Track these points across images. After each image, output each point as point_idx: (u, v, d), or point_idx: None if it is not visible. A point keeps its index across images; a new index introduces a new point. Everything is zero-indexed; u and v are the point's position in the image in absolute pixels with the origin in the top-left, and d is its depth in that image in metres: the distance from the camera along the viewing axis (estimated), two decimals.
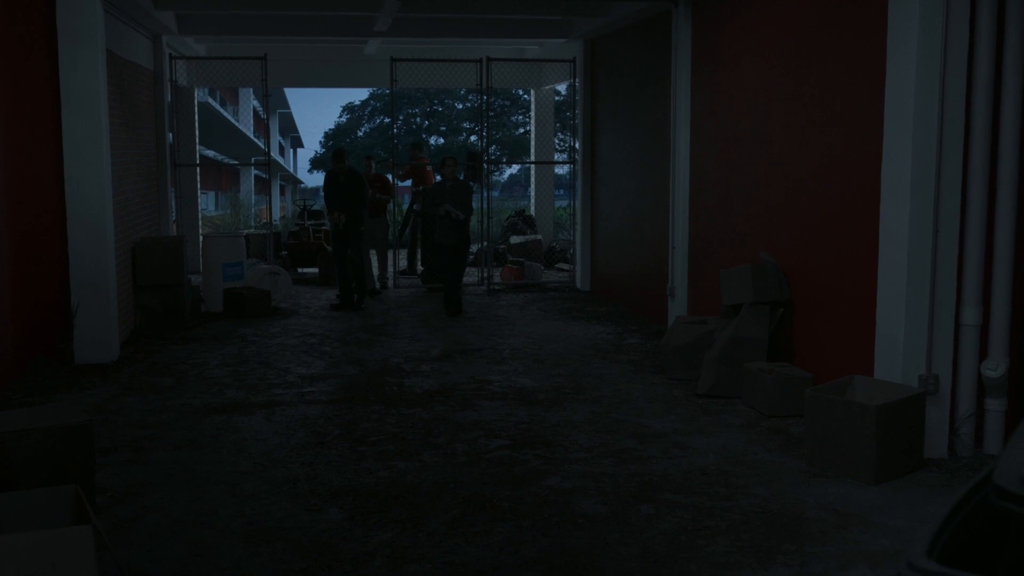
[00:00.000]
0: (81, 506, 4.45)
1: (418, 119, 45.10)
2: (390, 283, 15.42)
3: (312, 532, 5.30)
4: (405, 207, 17.28)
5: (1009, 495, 1.95)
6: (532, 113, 20.47)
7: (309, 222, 18.33)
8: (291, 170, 54.83)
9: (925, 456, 6.41)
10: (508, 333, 11.35)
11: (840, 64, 7.49)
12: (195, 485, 6.10)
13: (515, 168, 44.99)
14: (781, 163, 8.48)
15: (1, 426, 5.36)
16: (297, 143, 64.60)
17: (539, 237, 18.29)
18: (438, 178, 14.09)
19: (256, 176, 37.01)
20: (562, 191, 21.47)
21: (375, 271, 15.34)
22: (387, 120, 41.35)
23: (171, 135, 15.33)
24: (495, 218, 17.89)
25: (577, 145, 15.61)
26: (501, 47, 17.17)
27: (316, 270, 16.66)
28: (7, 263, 8.59)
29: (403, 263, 16.84)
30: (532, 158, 20.24)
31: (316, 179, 54.16)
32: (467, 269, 14.90)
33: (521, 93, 37.71)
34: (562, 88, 20.43)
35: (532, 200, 20.41)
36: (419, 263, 16.43)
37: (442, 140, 44.70)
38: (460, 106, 44.40)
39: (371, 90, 44.28)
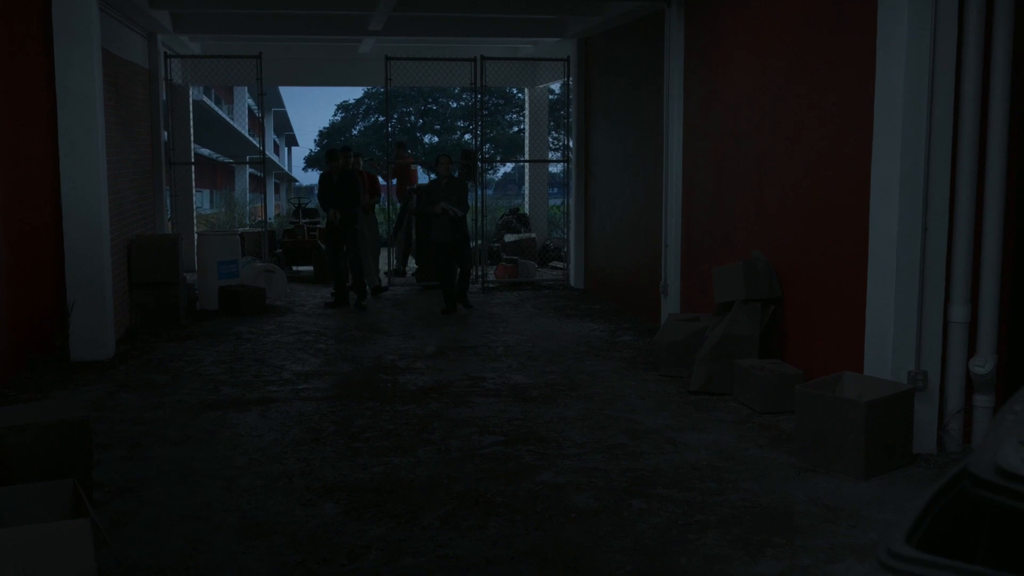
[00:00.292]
0: (79, 500, 4.51)
1: (412, 118, 45.12)
2: (384, 282, 15.46)
3: (307, 526, 5.36)
4: (399, 206, 17.33)
5: (984, 483, 2.02)
6: (526, 112, 20.53)
7: (304, 220, 18.37)
8: (286, 168, 54.81)
9: (914, 452, 6.48)
10: (502, 330, 11.42)
11: (831, 64, 7.56)
12: (191, 480, 6.15)
13: (509, 166, 45.08)
14: (773, 162, 8.56)
15: None
16: (292, 141, 64.57)
17: (533, 235, 18.35)
18: (424, 177, 14.13)
19: (251, 174, 37.04)
20: (556, 189, 21.57)
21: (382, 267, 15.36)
22: (382, 119, 41.36)
23: (166, 133, 15.39)
24: (489, 216, 17.95)
25: (571, 143, 15.68)
26: (495, 46, 17.23)
27: (311, 268, 16.71)
28: (3, 261, 8.64)
29: (393, 263, 16.87)
30: (526, 156, 20.29)
31: (311, 177, 54.18)
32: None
33: (515, 92, 37.74)
34: (556, 87, 20.50)
35: (526, 198, 20.46)
36: (413, 261, 16.47)
37: (436, 139, 44.72)
38: (454, 105, 44.43)
39: (366, 89, 44.34)
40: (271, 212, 24.83)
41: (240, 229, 19.00)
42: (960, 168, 6.45)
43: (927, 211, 6.45)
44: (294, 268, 17.01)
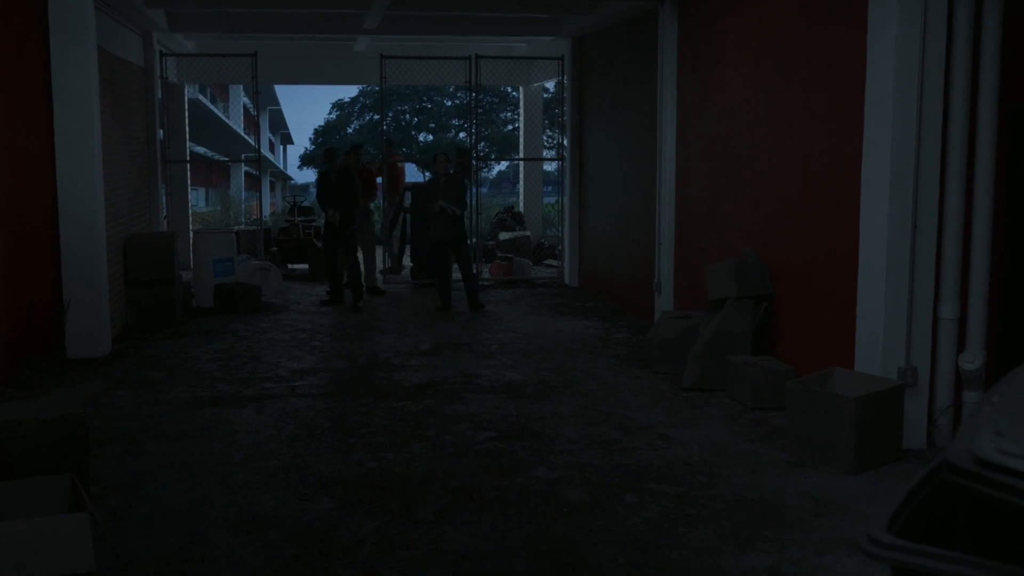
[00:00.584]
0: (77, 494, 4.56)
1: (407, 116, 45.15)
2: (380, 282, 15.48)
3: (303, 521, 5.41)
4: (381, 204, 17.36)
5: (961, 471, 2.08)
6: (521, 110, 20.58)
7: (299, 218, 18.42)
8: (281, 167, 54.84)
9: (904, 447, 6.55)
10: (497, 328, 11.47)
11: (823, 63, 7.63)
12: (188, 476, 6.20)
13: (504, 165, 45.10)
14: (765, 160, 8.62)
15: None
16: (287, 140, 64.59)
17: (528, 233, 18.41)
18: (415, 176, 14.14)
19: (246, 172, 37.04)
20: (550, 187, 21.60)
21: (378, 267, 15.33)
22: (376, 117, 41.38)
23: (162, 131, 15.42)
24: (484, 214, 18.00)
25: (565, 142, 15.74)
26: (490, 45, 17.28)
27: (306, 266, 16.75)
28: (1, 259, 8.67)
29: (387, 262, 16.90)
30: (521, 155, 20.35)
31: (306, 175, 54.20)
32: (454, 266, 15.03)
33: (510, 90, 37.81)
34: (551, 85, 20.54)
35: (521, 196, 20.53)
36: (408, 259, 16.51)
37: (431, 137, 44.75)
38: (449, 103, 44.47)
39: (361, 87, 44.40)
40: (266, 210, 24.87)
41: (236, 227, 19.04)
42: (949, 166, 6.51)
43: (917, 209, 6.51)
44: (289, 266, 17.06)
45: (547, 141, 21.23)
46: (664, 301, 10.99)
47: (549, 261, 17.81)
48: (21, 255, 9.14)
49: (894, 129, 6.45)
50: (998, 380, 2.54)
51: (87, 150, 9.57)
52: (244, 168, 36.32)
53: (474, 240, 15.59)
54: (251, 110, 39.25)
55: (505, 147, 38.33)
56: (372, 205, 16.06)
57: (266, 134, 48.54)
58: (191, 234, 16.42)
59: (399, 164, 16.92)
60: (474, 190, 15.59)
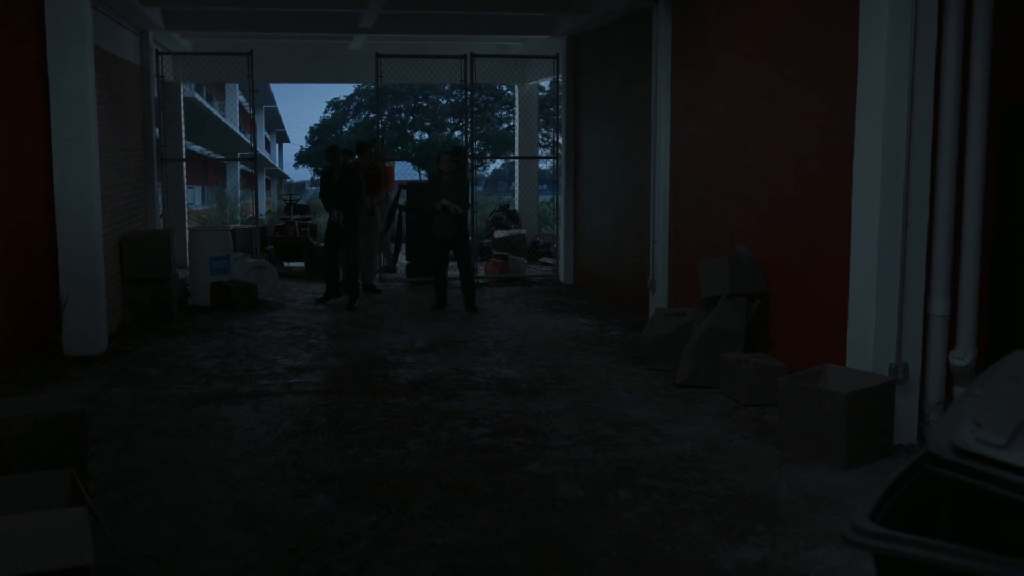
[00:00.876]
0: (76, 489, 4.60)
1: (403, 114, 45.16)
2: (377, 281, 15.49)
3: (299, 516, 5.46)
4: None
5: (942, 461, 2.13)
6: (516, 108, 20.64)
7: (295, 216, 18.45)
8: (277, 165, 54.83)
9: (895, 443, 6.60)
10: (492, 325, 11.52)
11: (816, 62, 7.68)
12: (185, 472, 6.25)
13: (499, 163, 45.18)
14: (758, 158, 8.67)
15: None
16: (283, 138, 64.58)
17: (523, 231, 18.47)
18: (410, 174, 14.12)
19: (242, 171, 37.05)
20: (545, 186, 21.67)
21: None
22: (372, 115, 41.43)
23: (157, 130, 15.44)
24: (479, 213, 18.05)
25: (560, 140, 15.78)
26: (485, 43, 17.32)
27: (302, 264, 16.79)
28: None
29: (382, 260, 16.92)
30: (516, 153, 20.40)
31: (302, 174, 54.20)
32: (450, 264, 15.08)
33: (505, 89, 37.84)
34: (546, 84, 20.60)
35: (516, 195, 20.58)
36: (403, 257, 16.54)
37: (427, 135, 44.77)
38: (444, 101, 44.48)
39: (356, 85, 44.31)
40: (262, 208, 24.90)
41: (232, 225, 19.08)
42: (940, 164, 6.57)
43: (908, 207, 6.57)
44: (285, 264, 17.09)
45: (542, 140, 21.30)
46: (658, 298, 11.05)
47: (544, 259, 17.86)
48: (18, 253, 9.17)
49: (885, 127, 6.51)
50: (982, 373, 2.59)
51: (84, 149, 9.60)
52: (240, 166, 36.32)
53: (471, 239, 15.61)
54: (247, 108, 39.35)
55: (500, 145, 38.37)
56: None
57: (262, 132, 48.51)
58: (187, 232, 16.46)
59: (387, 164, 16.94)
60: (470, 188, 15.63)
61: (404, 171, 36.46)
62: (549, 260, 17.44)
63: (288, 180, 50.89)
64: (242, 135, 36.74)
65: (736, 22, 9.16)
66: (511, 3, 13.30)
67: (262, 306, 12.94)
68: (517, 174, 20.80)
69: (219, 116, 32.89)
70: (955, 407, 2.35)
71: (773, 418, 7.25)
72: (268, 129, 55.61)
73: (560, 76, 15.56)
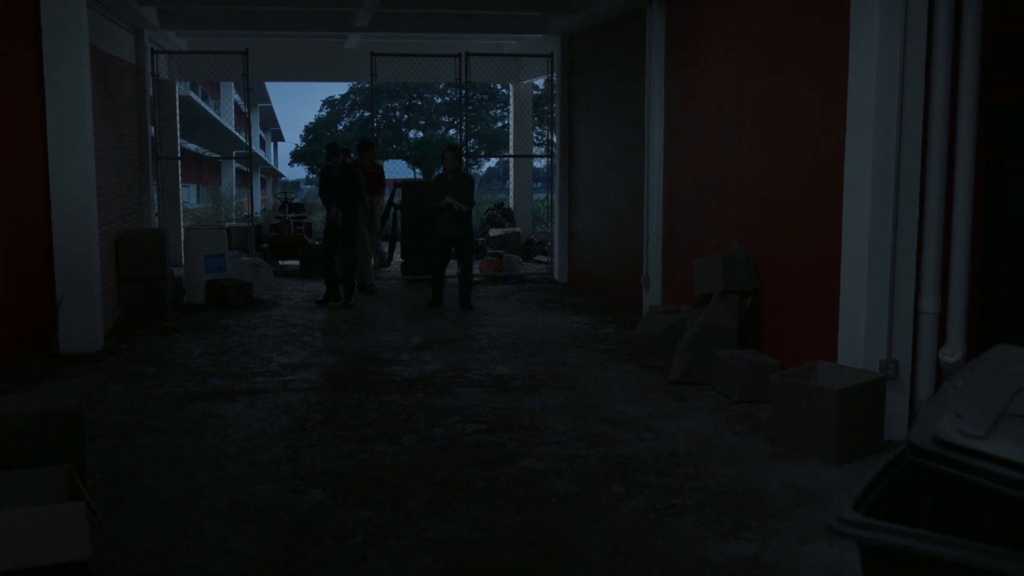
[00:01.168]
0: (74, 484, 4.64)
1: (397, 113, 45.19)
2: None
3: (295, 511, 5.50)
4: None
5: (923, 452, 2.19)
6: (511, 107, 20.67)
7: (290, 215, 18.48)
8: (272, 163, 54.79)
9: (885, 438, 6.66)
10: (487, 323, 11.57)
11: (808, 61, 7.74)
12: (181, 468, 6.29)
13: (494, 161, 45.23)
14: (751, 157, 8.73)
15: None
16: (278, 137, 64.55)
17: (518, 230, 18.51)
18: (405, 172, 14.07)
19: (237, 169, 37.05)
20: (540, 184, 21.71)
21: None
22: (367, 114, 41.44)
23: (153, 128, 15.47)
24: (474, 211, 18.07)
25: (555, 139, 15.83)
26: (479, 42, 17.37)
27: (297, 262, 16.82)
28: None
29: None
30: (511, 151, 20.45)
31: (297, 172, 54.24)
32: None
33: (499, 87, 37.88)
34: (540, 82, 20.65)
35: (511, 193, 20.62)
36: (398, 256, 16.58)
37: (421, 134, 44.80)
38: (439, 100, 44.51)
39: (351, 84, 44.37)
40: (257, 207, 24.90)
41: (227, 224, 19.10)
42: (930, 162, 6.63)
43: (898, 205, 6.63)
44: (280, 262, 17.12)
45: (537, 138, 21.34)
46: (652, 296, 11.10)
47: (539, 257, 17.91)
48: (15, 251, 9.20)
49: (876, 126, 6.57)
50: (964, 366, 2.65)
51: (80, 148, 9.64)
52: (235, 165, 36.33)
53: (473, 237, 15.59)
54: (242, 107, 39.37)
55: (495, 144, 38.39)
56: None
57: (257, 131, 48.56)
58: (182, 230, 16.48)
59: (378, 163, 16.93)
60: (475, 186, 15.67)
61: (399, 170, 36.51)
62: (543, 258, 17.49)
63: (283, 178, 50.87)
64: (237, 134, 36.71)
65: (729, 21, 9.21)
66: (505, 2, 13.35)
67: (257, 304, 12.97)
68: (512, 173, 20.84)
69: (214, 115, 32.90)
70: (937, 399, 2.41)
71: (765, 414, 7.30)
72: (263, 128, 55.62)
73: (554, 75, 15.60)
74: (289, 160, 53.19)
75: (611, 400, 7.93)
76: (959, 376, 2.49)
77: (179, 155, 18.23)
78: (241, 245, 16.47)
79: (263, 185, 43.87)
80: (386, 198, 16.51)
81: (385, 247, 16.89)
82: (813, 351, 7.40)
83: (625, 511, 5.49)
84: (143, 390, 8.31)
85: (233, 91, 38.51)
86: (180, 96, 19.21)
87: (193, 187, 34.78)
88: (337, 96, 47.68)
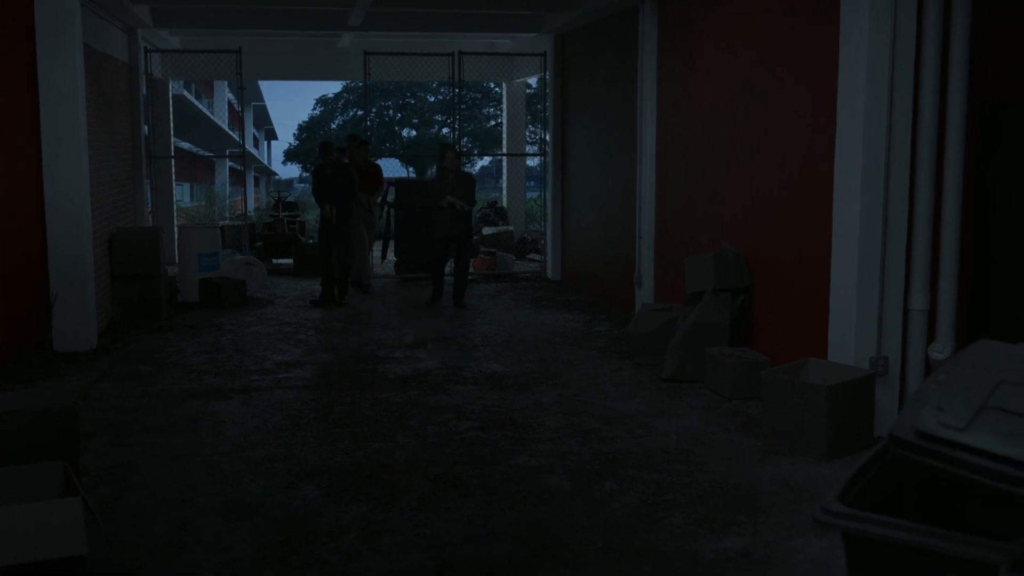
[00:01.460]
0: (70, 481, 4.68)
1: (391, 112, 45.20)
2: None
3: (289, 508, 5.54)
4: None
5: (904, 444, 2.23)
6: (504, 106, 20.72)
7: (284, 213, 18.50)
8: (265, 162, 54.83)
9: (876, 435, 6.70)
10: (480, 321, 11.62)
11: (799, 61, 7.79)
12: (176, 466, 6.32)
13: (487, 160, 45.26)
14: (742, 156, 8.78)
15: None
16: (271, 135, 64.58)
17: (511, 228, 18.56)
18: (399, 171, 14.04)
19: (231, 168, 37.07)
20: (533, 182, 21.76)
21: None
22: (360, 113, 41.45)
23: (146, 127, 15.48)
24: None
25: (548, 137, 15.87)
26: (473, 41, 17.40)
27: (291, 261, 16.85)
28: None
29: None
30: (504, 150, 20.49)
31: (290, 171, 54.22)
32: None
33: (493, 86, 37.92)
34: (533, 81, 20.69)
35: (504, 192, 20.67)
36: (392, 254, 16.60)
37: (414, 132, 44.83)
38: (432, 99, 44.54)
39: (345, 83, 44.36)
40: (251, 205, 24.94)
41: (220, 222, 19.12)
42: (919, 161, 6.68)
43: (887, 203, 6.68)
44: (274, 261, 17.15)
45: (530, 137, 21.41)
46: (644, 294, 11.15)
47: (532, 256, 17.95)
48: (8, 250, 9.21)
49: (866, 125, 6.62)
50: (948, 360, 2.70)
51: (74, 147, 9.65)
52: (229, 163, 36.37)
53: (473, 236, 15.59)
54: (235, 106, 39.35)
55: (488, 143, 38.46)
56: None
57: (250, 130, 48.50)
58: (176, 229, 16.51)
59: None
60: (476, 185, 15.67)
61: (392, 168, 36.50)
62: (537, 256, 17.53)
63: (276, 177, 50.95)
64: (231, 132, 36.75)
65: (721, 21, 9.26)
66: (498, 1, 13.38)
67: (251, 303, 13.00)
68: (505, 171, 20.89)
69: (208, 113, 32.92)
70: (920, 393, 2.45)
71: (756, 411, 7.35)
72: (257, 126, 55.60)
73: (547, 74, 15.65)
74: (283, 159, 53.21)
75: (604, 397, 7.98)
76: (942, 370, 2.53)
77: (172, 154, 18.24)
78: (235, 244, 16.50)
79: (257, 184, 43.91)
80: (390, 196, 16.50)
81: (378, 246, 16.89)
82: (804, 348, 7.45)
83: (617, 507, 5.53)
84: (137, 388, 8.34)
85: (227, 90, 38.57)
86: (173, 95, 19.22)
87: (187, 186, 34.78)
88: (330, 95, 47.70)
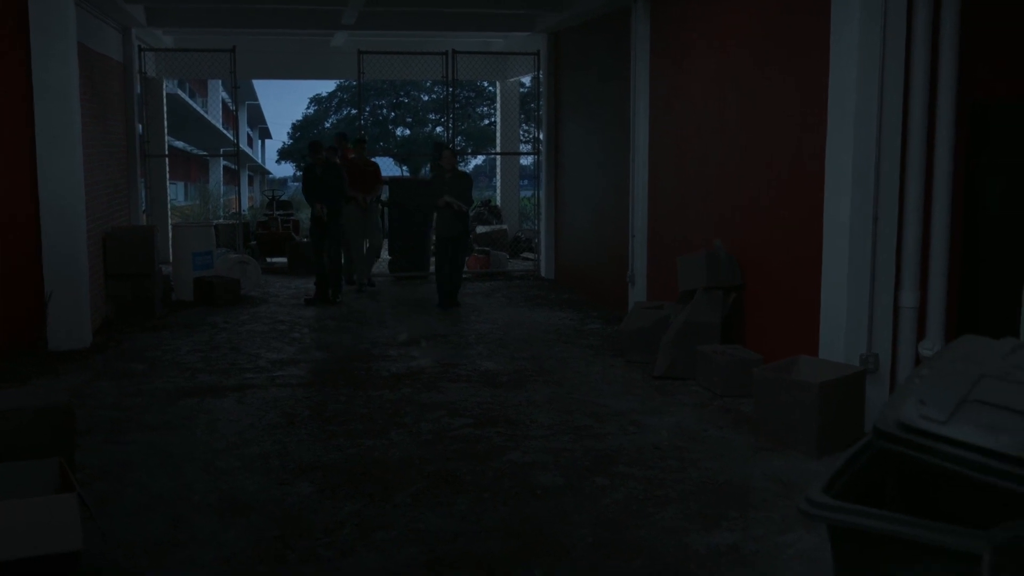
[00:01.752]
0: (66, 477, 4.71)
1: (384, 110, 45.20)
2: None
3: (284, 504, 5.57)
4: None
5: (887, 436, 2.28)
6: (497, 105, 20.75)
7: (277, 212, 18.52)
8: (259, 161, 54.75)
9: (866, 431, 6.74)
10: (474, 320, 11.65)
11: (791, 60, 7.84)
12: (171, 463, 6.35)
13: (480, 159, 45.27)
14: (734, 154, 8.83)
15: None
16: (265, 134, 64.47)
17: (505, 227, 18.60)
18: (392, 169, 14.02)
19: (225, 167, 37.05)
20: (527, 181, 21.79)
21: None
22: (354, 111, 41.44)
23: (140, 126, 15.49)
24: None
25: (541, 136, 15.91)
26: (466, 40, 17.44)
27: (285, 259, 16.87)
28: None
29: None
30: (497, 149, 20.52)
31: (284, 170, 54.18)
32: (432, 259, 15.20)
33: (486, 85, 37.94)
34: (527, 80, 20.72)
35: (498, 190, 20.70)
36: (386, 252, 16.61)
37: (408, 131, 44.83)
38: (426, 98, 44.55)
39: (338, 82, 44.37)
40: (245, 204, 24.93)
41: (214, 221, 19.13)
42: (909, 159, 6.73)
43: (878, 201, 6.74)
44: (268, 259, 17.16)
45: (523, 136, 21.41)
46: (637, 292, 11.20)
47: (526, 254, 17.99)
48: (3, 249, 9.25)
49: (856, 124, 6.67)
50: (933, 355, 2.74)
51: (68, 146, 9.67)
52: (223, 162, 36.33)
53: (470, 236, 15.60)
54: (229, 105, 39.32)
55: (482, 141, 38.48)
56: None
57: (244, 128, 48.51)
58: (170, 228, 16.51)
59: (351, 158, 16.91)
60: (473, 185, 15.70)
61: (386, 167, 36.49)
62: (530, 255, 17.57)
63: (270, 176, 50.86)
64: (225, 131, 36.68)
65: (713, 20, 9.31)
66: (490, 0, 13.42)
67: (245, 301, 13.02)
68: (498, 170, 20.93)
69: (202, 112, 32.88)
70: (903, 387, 2.50)
71: (748, 408, 7.39)
72: (251, 125, 55.56)
73: (541, 73, 15.68)
74: (276, 157, 53.19)
75: (596, 395, 8.02)
76: (925, 365, 2.58)
77: (166, 152, 18.25)
78: (229, 242, 16.51)
79: (250, 182, 43.86)
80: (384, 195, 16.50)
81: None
82: (795, 346, 7.50)
83: (609, 503, 5.58)
84: (132, 386, 8.37)
85: (220, 89, 38.50)
86: (167, 94, 19.23)
87: (181, 184, 34.75)
88: (324, 94, 47.69)
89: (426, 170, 15.68)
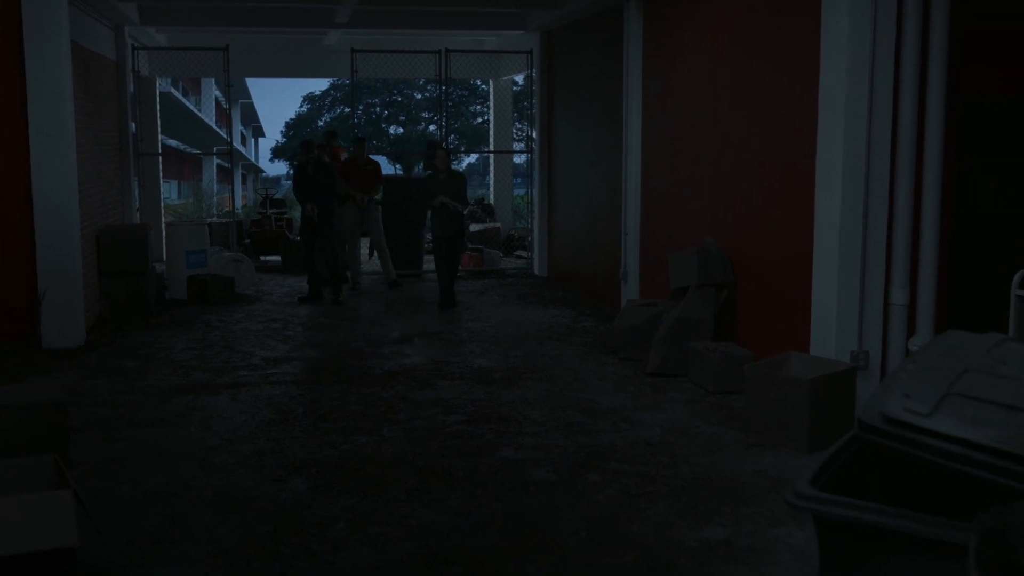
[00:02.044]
0: (61, 473, 4.73)
1: (378, 109, 45.20)
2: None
3: (278, 500, 5.61)
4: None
5: (872, 429, 2.32)
6: (491, 103, 20.78)
7: (271, 210, 18.52)
8: (253, 159, 54.77)
9: None
10: (467, 317, 11.68)
11: (783, 59, 7.88)
12: (165, 460, 6.38)
13: (474, 157, 45.27)
14: (726, 152, 8.87)
15: None
16: (259, 132, 64.46)
17: (498, 225, 18.62)
18: (386, 168, 13.96)
19: (218, 165, 37.03)
20: (520, 180, 21.83)
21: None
22: (347, 110, 41.44)
23: (134, 125, 15.49)
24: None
25: (534, 135, 15.94)
26: (459, 38, 17.44)
27: (278, 258, 16.88)
28: None
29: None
30: (491, 147, 20.55)
31: (278, 168, 54.15)
32: (426, 257, 15.27)
33: (479, 83, 37.97)
34: (520, 79, 20.76)
35: (491, 189, 20.73)
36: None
37: (401, 130, 44.85)
38: (419, 96, 44.56)
39: (332, 80, 44.35)
40: (238, 202, 24.95)
41: (208, 219, 19.13)
42: (899, 157, 6.78)
43: (868, 199, 6.78)
44: (262, 257, 17.17)
45: (516, 134, 21.48)
46: (630, 290, 11.24)
47: (519, 252, 18.01)
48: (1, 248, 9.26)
49: (847, 123, 6.72)
50: (919, 351, 2.78)
51: (62, 144, 9.68)
52: (216, 161, 36.32)
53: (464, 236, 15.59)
54: (223, 103, 39.26)
55: (475, 140, 38.52)
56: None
57: (238, 127, 48.41)
58: (164, 226, 16.52)
59: (342, 156, 16.94)
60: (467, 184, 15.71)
61: (381, 166, 36.48)
62: (523, 253, 17.60)
63: (264, 174, 50.90)
64: (218, 130, 36.71)
65: (705, 19, 9.35)
66: None
67: (239, 299, 13.04)
68: (492, 168, 20.95)
69: (195, 111, 32.89)
70: (889, 380, 2.54)
71: (740, 405, 7.43)
72: (244, 124, 55.51)
73: (534, 71, 15.71)
74: (270, 156, 53.17)
75: (589, 391, 8.06)
76: (911, 359, 2.62)
77: (160, 151, 18.24)
78: (222, 241, 16.51)
79: (244, 181, 43.85)
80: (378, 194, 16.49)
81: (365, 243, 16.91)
82: (786, 343, 7.54)
83: (601, 498, 5.62)
84: (126, 384, 8.39)
85: (214, 87, 38.51)
86: (161, 92, 19.21)
87: (174, 183, 34.71)
88: (317, 92, 47.69)
89: (419, 168, 15.70)
